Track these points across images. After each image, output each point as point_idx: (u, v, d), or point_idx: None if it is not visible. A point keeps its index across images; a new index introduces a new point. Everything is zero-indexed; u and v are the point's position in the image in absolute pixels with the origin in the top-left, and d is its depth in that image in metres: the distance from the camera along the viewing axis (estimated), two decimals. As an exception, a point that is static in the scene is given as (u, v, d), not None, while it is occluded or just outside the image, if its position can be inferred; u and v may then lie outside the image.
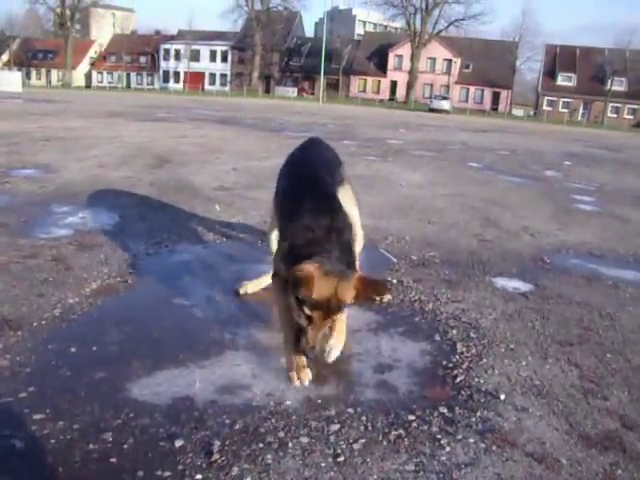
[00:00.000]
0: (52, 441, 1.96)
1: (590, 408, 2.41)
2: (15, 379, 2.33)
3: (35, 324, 2.83)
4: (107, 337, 2.76)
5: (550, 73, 71.22)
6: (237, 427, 2.11)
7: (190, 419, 2.15)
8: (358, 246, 3.40)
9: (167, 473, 1.85)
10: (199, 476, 1.84)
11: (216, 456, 1.94)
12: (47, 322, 2.87)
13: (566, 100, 69.59)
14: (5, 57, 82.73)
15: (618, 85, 67.17)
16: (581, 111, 68.80)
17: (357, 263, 2.48)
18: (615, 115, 67.05)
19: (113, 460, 1.90)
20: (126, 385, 2.34)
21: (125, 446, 1.97)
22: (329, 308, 2.22)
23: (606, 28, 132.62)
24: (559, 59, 71.11)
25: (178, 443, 2.00)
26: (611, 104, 67.17)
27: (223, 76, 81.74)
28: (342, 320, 2.57)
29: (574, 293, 3.86)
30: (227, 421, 2.15)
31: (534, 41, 72.51)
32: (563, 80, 70.89)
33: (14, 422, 2.05)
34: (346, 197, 3.11)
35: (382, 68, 75.79)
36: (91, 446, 1.95)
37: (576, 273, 4.33)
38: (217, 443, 2.01)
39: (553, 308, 3.55)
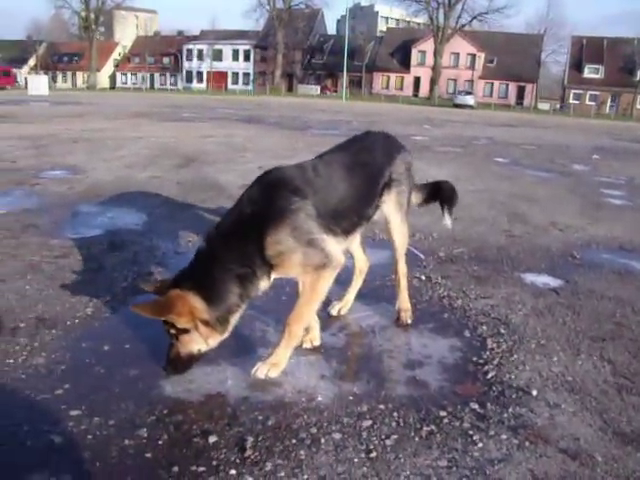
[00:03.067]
0: (89, 437, 2.00)
1: (624, 404, 2.38)
2: (51, 376, 2.38)
3: (69, 323, 2.89)
4: (139, 335, 2.79)
5: (576, 65, 70.06)
6: (270, 423, 2.13)
7: (223, 415, 2.17)
8: (402, 249, 3.14)
9: (201, 468, 1.87)
10: (233, 471, 1.86)
11: (249, 452, 1.95)
12: (80, 321, 2.93)
13: (593, 93, 68.41)
14: (32, 61, 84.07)
15: (647, 76, 65.85)
16: (609, 103, 67.49)
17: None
18: (644, 107, 65.77)
19: (148, 455, 1.92)
20: (159, 382, 2.38)
21: (160, 442, 2.00)
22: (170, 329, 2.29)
23: (635, 17, 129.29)
24: (586, 51, 69.90)
25: (212, 439, 2.02)
26: (640, 95, 65.91)
27: (246, 75, 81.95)
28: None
29: (605, 288, 3.80)
30: (260, 417, 2.16)
31: (560, 33, 71.68)
32: (590, 72, 69.67)
33: (52, 418, 2.09)
34: (391, 202, 2.97)
35: (405, 64, 75.31)
36: (127, 442, 1.98)
37: (607, 268, 4.27)
38: (250, 439, 2.02)
39: (584, 303, 3.50)
